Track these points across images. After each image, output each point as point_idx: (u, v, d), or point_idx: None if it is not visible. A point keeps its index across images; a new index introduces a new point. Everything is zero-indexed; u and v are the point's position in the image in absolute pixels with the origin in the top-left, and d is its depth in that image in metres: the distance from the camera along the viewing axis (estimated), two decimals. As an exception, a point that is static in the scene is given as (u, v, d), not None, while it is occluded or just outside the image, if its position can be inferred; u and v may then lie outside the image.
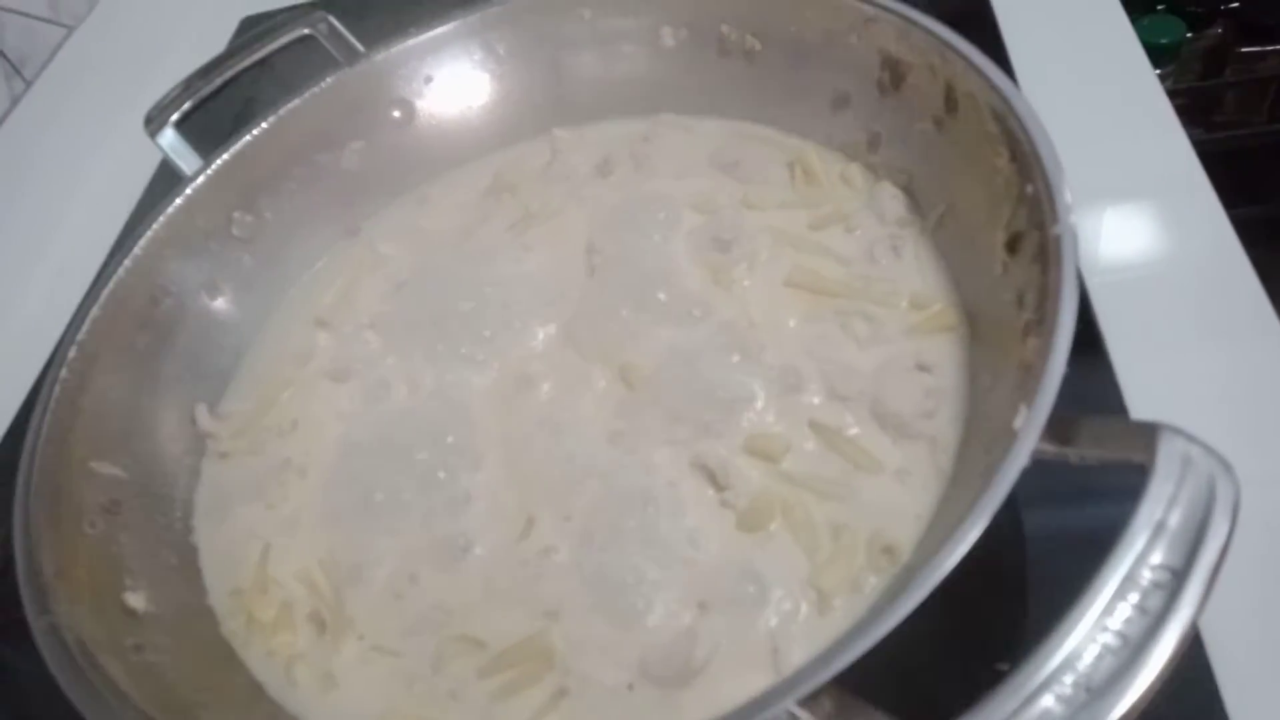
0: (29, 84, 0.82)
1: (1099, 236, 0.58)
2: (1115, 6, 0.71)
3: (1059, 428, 0.33)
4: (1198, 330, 0.53)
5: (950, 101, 0.48)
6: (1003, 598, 0.44)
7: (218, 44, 0.92)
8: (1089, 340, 0.52)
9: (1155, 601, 0.27)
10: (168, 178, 0.77)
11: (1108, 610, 0.26)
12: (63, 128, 0.85)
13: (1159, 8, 1.12)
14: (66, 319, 0.69)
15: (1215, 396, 0.50)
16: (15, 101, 0.80)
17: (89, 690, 0.37)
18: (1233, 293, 0.53)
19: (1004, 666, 0.41)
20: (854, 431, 0.44)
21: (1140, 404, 0.49)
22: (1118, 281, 0.55)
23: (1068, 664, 0.26)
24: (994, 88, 0.43)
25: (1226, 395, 0.49)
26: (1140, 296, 0.54)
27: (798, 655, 0.38)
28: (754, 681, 0.38)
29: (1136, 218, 0.60)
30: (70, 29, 0.87)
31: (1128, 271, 0.56)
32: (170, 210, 0.55)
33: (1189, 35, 1.19)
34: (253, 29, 0.64)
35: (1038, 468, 0.32)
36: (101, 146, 0.84)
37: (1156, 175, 0.61)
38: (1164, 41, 1.07)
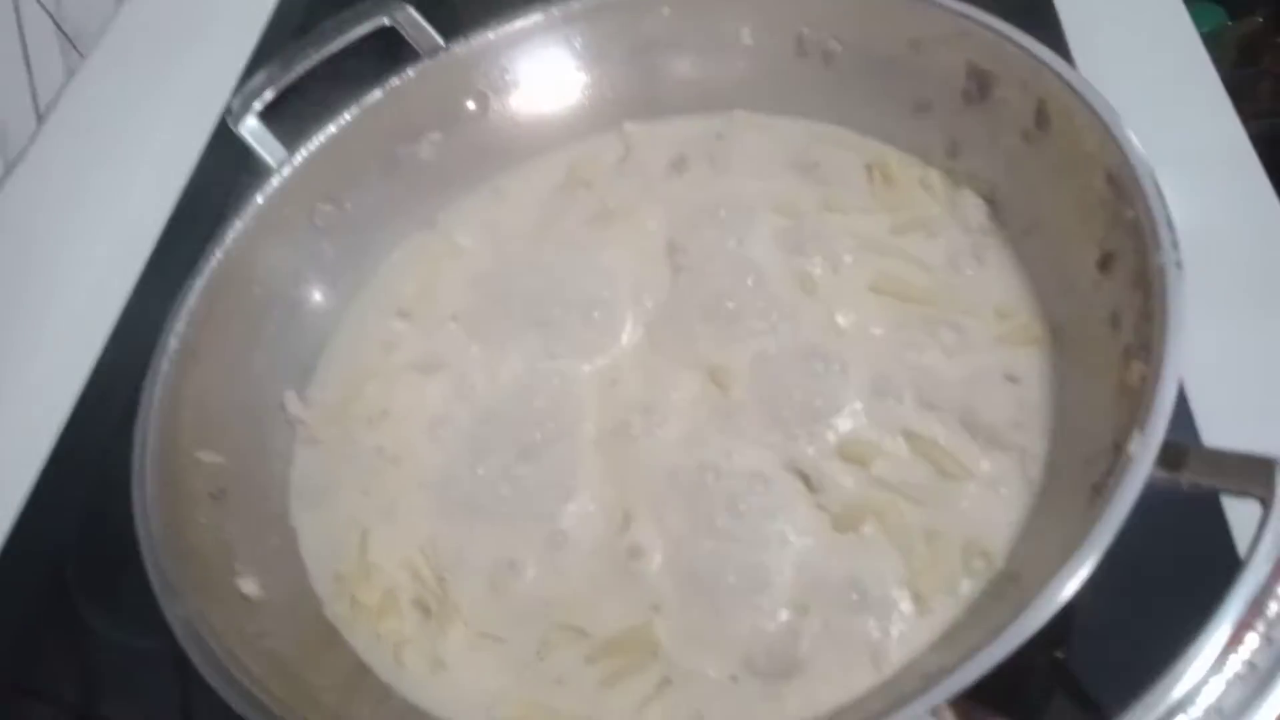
0: (83, 57, 0.82)
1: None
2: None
3: (1168, 453, 0.35)
4: (1248, 318, 0.53)
5: (1042, 117, 0.49)
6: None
7: (263, 13, 0.91)
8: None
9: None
10: (221, 149, 0.78)
11: (1234, 640, 0.28)
12: (118, 101, 0.84)
13: (1202, -7, 1.11)
14: (122, 299, 0.69)
15: (1265, 385, 0.51)
16: (71, 75, 0.80)
17: (232, 682, 0.39)
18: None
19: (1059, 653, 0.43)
20: (944, 440, 0.46)
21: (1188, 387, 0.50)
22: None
23: (1195, 691, 0.28)
24: (1094, 112, 0.44)
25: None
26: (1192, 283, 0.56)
27: (896, 655, 0.41)
28: (856, 678, 0.40)
29: (1193, 214, 0.61)
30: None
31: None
32: (261, 201, 0.56)
33: (1229, 23, 1.19)
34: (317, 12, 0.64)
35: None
36: (155, 119, 0.84)
37: (1215, 173, 0.61)
38: (1204, 30, 1.07)
